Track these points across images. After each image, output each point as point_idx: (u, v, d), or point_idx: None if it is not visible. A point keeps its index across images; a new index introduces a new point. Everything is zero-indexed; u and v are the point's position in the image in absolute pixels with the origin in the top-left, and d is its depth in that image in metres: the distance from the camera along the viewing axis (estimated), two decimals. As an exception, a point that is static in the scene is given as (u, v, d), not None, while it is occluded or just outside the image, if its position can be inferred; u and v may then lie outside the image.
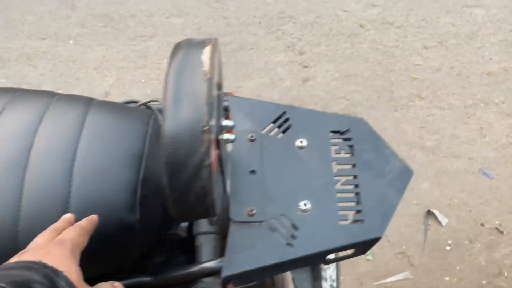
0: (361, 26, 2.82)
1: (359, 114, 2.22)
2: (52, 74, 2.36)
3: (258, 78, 2.42)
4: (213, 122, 0.46)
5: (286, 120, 0.70)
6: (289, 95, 2.31)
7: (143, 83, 2.34)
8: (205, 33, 2.70)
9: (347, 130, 0.68)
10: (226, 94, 0.80)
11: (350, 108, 2.26)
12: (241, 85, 2.36)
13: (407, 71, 2.49)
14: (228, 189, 0.61)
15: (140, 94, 2.25)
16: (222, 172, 0.55)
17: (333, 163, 0.65)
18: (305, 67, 2.51)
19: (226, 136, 0.56)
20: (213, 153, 0.45)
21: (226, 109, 0.71)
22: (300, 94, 2.32)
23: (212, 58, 0.46)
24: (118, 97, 2.22)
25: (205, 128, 0.42)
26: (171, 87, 0.44)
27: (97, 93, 2.25)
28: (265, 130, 0.68)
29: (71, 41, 2.58)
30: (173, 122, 0.42)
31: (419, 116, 2.24)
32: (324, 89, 2.37)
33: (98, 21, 2.72)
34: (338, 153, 0.66)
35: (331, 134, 0.68)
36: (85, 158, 0.59)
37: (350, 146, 0.66)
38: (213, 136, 0.45)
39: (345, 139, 0.67)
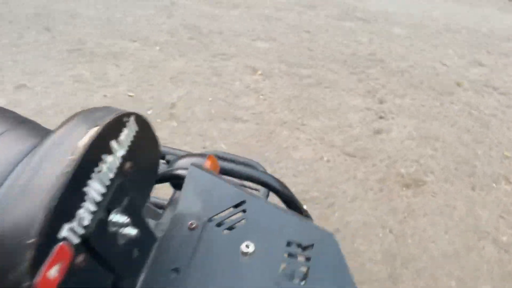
0: (458, 84, 2.52)
1: (429, 183, 1.95)
2: (131, 76, 2.46)
3: (326, 119, 2.26)
4: (71, 225, 0.36)
5: (244, 211, 0.56)
6: (353, 145, 2.12)
7: (209, 101, 2.32)
8: (286, 61, 2.62)
9: (310, 246, 0.53)
10: (203, 156, 0.69)
11: (419, 174, 2.00)
12: (306, 123, 2.23)
13: (500, 147, 2.14)
14: (138, 286, 0.50)
15: (203, 111, 2.24)
16: (111, 269, 0.44)
17: (276, 285, 0.50)
18: (381, 118, 2.29)
19: (127, 230, 0.45)
20: (53, 270, 0.34)
21: (179, 178, 0.60)
22: (366, 146, 2.11)
23: (88, 145, 0.36)
24: (181, 111, 2.23)
25: (30, 241, 0.32)
26: (19, 171, 0.35)
27: (164, 103, 2.28)
28: (214, 219, 0.56)
29: (157, 48, 2.67)
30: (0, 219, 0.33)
31: (500, 202, 1.90)
32: (395, 146, 2.13)
33: (187, 32, 2.79)
34: (288, 273, 0.51)
35: (288, 247, 0.53)
36: (-4, 207, 0.52)
37: (305, 269, 0.51)
38: (55, 249, 0.34)
39: (303, 258, 0.52)
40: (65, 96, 2.28)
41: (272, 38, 2.81)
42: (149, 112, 2.23)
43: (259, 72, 2.53)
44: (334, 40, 2.85)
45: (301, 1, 3.41)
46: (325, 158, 2.05)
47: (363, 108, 2.34)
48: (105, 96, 2.31)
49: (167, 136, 2.08)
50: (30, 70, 2.45)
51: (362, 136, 2.18)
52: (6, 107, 1.97)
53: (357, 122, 2.26)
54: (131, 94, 2.34)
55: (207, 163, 0.69)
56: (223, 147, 2.05)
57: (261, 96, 2.37)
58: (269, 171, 1.95)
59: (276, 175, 2.02)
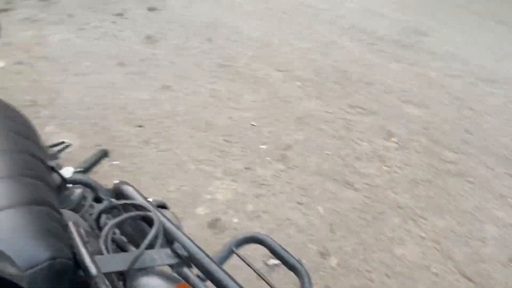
0: None
1: None
2: (261, 104, 2.42)
3: (454, 221, 1.85)
4: None
5: None
6: (477, 266, 1.67)
7: (326, 155, 2.13)
8: (431, 136, 2.24)
9: None
10: (173, 281, 0.54)
11: None
12: (426, 217, 1.86)
13: None
14: None
15: (316, 163, 2.05)
16: None
17: None
18: (530, 245, 1.77)
19: None
20: None
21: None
22: (493, 275, 1.65)
23: None
24: (294, 156, 2.09)
25: None
26: None
27: (280, 142, 2.17)
28: None
29: (298, 83, 2.58)
30: None
31: None
32: (535, 290, 1.61)
33: (334, 74, 2.64)
34: None
35: None
36: None
37: None
38: None
39: None
40: (197, 108, 2.35)
41: (425, 105, 2.45)
42: (262, 147, 2.15)
43: (394, 139, 2.22)
44: (502, 128, 2.34)
45: (479, 72, 2.92)
46: (433, 269, 1.67)
47: (508, 225, 1.84)
48: (230, 118, 2.31)
49: (269, 178, 1.96)
50: (179, 73, 2.61)
51: (493, 259, 1.71)
52: (146, 103, 2.06)
53: (494, 240, 1.79)
54: (254, 123, 2.29)
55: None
56: (320, 211, 1.83)
57: (385, 167, 2.07)
58: (358, 258, 1.66)
59: (365, 268, 1.70)
